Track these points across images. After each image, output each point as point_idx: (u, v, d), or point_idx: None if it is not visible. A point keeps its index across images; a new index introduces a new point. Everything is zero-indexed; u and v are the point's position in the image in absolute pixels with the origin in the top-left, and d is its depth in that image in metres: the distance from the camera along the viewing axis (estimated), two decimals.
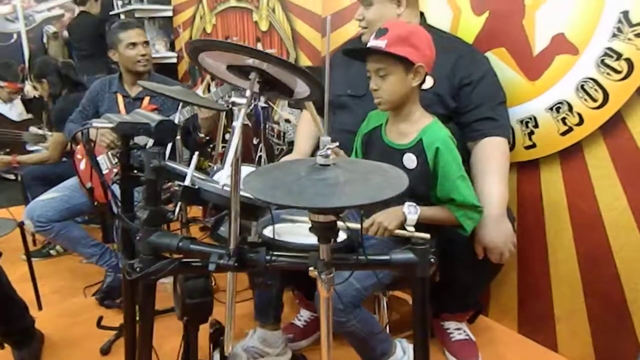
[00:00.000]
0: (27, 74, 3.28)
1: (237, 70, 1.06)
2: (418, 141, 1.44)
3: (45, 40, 5.00)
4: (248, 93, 1.03)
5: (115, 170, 2.31)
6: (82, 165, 2.34)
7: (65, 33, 4.93)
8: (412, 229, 1.36)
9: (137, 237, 1.20)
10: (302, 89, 1.10)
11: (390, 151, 1.49)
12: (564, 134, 1.71)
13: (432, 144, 1.41)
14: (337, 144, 1.54)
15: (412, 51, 1.35)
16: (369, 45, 1.41)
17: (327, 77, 0.96)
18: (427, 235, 1.36)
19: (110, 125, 1.22)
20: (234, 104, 1.04)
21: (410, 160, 1.45)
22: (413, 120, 1.47)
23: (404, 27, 1.40)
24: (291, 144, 2.93)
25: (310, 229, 0.93)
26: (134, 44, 2.32)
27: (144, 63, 2.35)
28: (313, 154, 1.95)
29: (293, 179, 0.87)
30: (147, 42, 2.37)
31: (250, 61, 1.01)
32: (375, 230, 1.39)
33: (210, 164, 3.18)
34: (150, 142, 1.45)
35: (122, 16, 4.99)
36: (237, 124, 1.01)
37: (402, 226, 1.38)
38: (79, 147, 2.43)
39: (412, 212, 1.37)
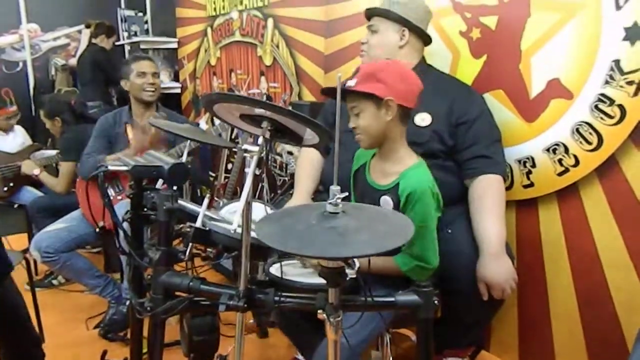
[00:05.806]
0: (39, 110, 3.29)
1: (250, 119, 1.12)
2: (396, 184, 1.42)
3: (53, 72, 5.09)
4: (260, 141, 1.09)
5: (119, 197, 2.36)
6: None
7: (72, 61, 5.04)
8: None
9: (148, 276, 1.24)
10: (310, 135, 1.16)
11: (370, 191, 1.49)
12: (560, 174, 1.76)
13: (405, 190, 1.39)
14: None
15: (379, 86, 1.35)
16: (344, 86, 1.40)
17: (337, 138, 1.00)
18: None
19: (125, 168, 1.26)
20: (246, 151, 1.09)
21: (386, 203, 1.44)
22: (396, 159, 1.45)
23: (372, 65, 1.41)
24: (293, 176, 2.97)
25: (320, 274, 0.96)
26: (143, 73, 2.41)
27: (151, 91, 2.42)
28: (314, 196, 1.97)
29: (304, 227, 0.91)
30: (156, 74, 2.46)
31: (262, 111, 1.07)
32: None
33: (209, 194, 3.22)
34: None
35: (127, 47, 5.13)
36: (250, 171, 1.06)
37: None
38: (78, 179, 2.48)
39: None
